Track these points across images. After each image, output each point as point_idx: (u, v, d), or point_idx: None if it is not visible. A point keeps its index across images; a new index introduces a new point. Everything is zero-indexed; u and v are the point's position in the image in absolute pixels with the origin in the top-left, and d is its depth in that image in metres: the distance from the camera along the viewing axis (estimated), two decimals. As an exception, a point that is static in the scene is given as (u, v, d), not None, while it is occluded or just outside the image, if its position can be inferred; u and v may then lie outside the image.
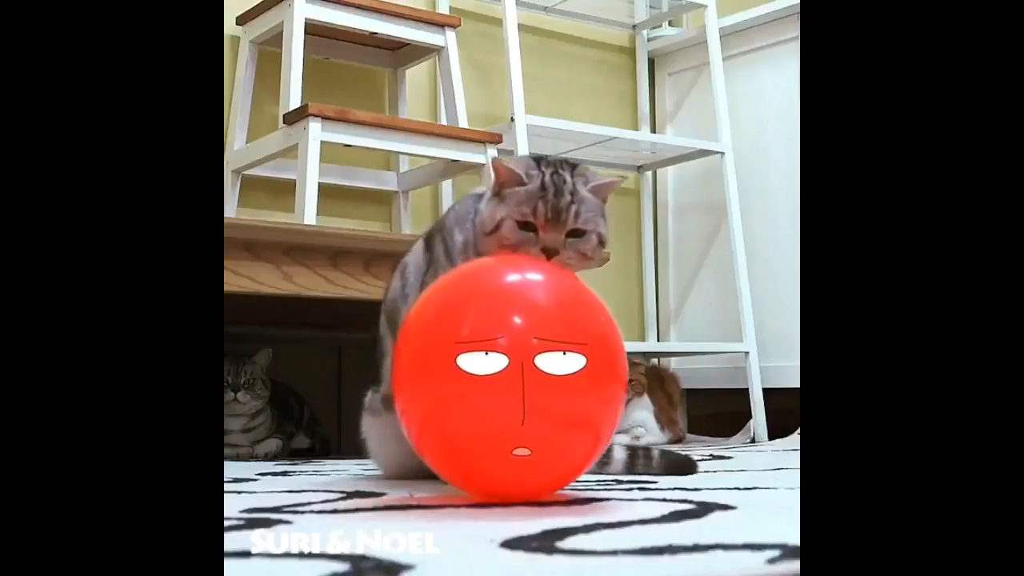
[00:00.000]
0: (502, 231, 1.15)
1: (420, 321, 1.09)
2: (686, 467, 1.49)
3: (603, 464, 1.46)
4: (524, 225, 1.14)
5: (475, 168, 2.50)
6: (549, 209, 1.14)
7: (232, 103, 2.52)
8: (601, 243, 1.18)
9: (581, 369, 1.01)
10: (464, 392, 1.01)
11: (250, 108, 2.52)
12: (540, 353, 1.00)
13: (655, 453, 1.52)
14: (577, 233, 1.15)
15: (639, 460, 1.49)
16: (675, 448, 2.50)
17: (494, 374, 0.99)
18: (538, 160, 1.20)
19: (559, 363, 1.00)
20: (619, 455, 1.49)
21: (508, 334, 1.01)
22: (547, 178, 1.16)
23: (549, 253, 1.14)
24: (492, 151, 2.49)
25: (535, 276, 1.10)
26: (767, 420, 2.84)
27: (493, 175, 1.20)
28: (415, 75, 2.86)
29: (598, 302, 1.11)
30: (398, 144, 2.39)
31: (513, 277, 1.10)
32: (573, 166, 1.20)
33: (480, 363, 0.99)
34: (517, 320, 1.02)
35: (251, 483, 1.46)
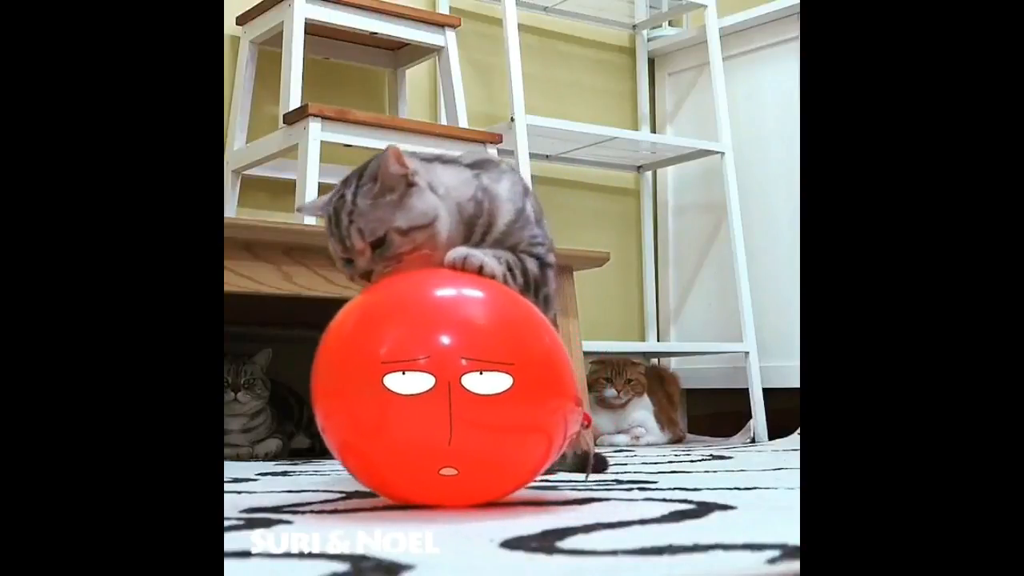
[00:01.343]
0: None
1: (345, 336, 1.05)
2: (596, 464, 1.49)
3: None
4: (345, 262, 1.14)
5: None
6: (336, 242, 1.13)
7: (232, 103, 2.52)
8: (408, 231, 1.10)
9: (509, 389, 0.98)
10: (390, 412, 0.98)
11: (250, 108, 2.52)
12: (467, 373, 0.97)
13: (568, 452, 1.54)
14: (376, 244, 1.11)
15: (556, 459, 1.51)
16: (673, 448, 2.51)
17: (421, 394, 0.97)
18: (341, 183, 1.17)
19: (486, 383, 0.98)
20: None
21: (435, 354, 0.98)
22: (330, 210, 1.14)
23: (364, 276, 1.12)
24: (492, 151, 2.49)
25: (466, 293, 1.07)
26: (767, 420, 2.84)
27: None
28: (415, 75, 2.86)
29: (535, 319, 1.08)
30: (398, 144, 2.39)
31: (443, 294, 1.07)
32: (363, 169, 1.15)
33: (406, 383, 0.97)
34: (445, 340, 0.99)
35: (251, 483, 1.46)
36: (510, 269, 1.14)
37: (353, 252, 1.11)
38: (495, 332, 1.03)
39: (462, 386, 0.97)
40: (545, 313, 1.17)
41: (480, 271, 1.09)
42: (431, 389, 0.97)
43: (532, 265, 1.18)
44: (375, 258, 1.11)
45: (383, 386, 0.97)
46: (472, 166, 1.21)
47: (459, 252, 1.10)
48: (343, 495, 1.21)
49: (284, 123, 2.28)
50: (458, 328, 1.02)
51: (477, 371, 0.98)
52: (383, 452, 1.02)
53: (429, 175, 1.15)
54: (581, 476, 1.30)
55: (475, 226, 1.16)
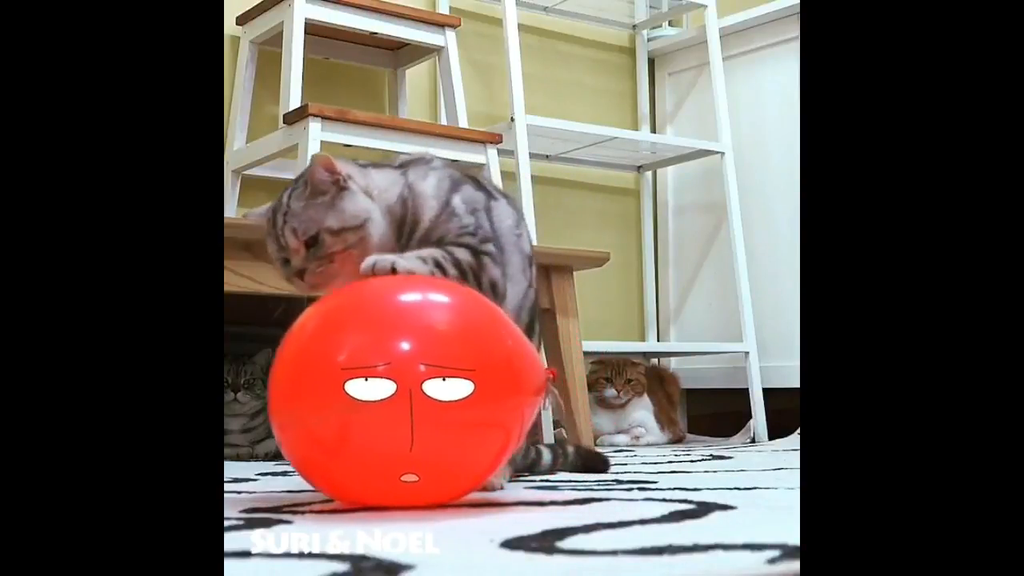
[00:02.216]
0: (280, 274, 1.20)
1: (306, 342, 1.06)
2: (598, 464, 1.58)
3: (534, 465, 1.55)
4: (283, 262, 1.18)
5: (475, 168, 2.50)
6: (273, 243, 1.18)
7: (232, 103, 2.52)
8: (339, 231, 1.15)
9: (470, 395, 0.99)
10: (351, 418, 0.98)
11: (250, 108, 2.52)
12: (428, 379, 0.97)
13: (570, 451, 1.62)
14: (309, 243, 1.15)
15: (559, 459, 1.59)
16: (673, 448, 2.51)
17: (382, 400, 0.97)
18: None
19: (447, 389, 0.98)
20: (546, 457, 1.58)
21: (395, 360, 0.98)
22: (270, 214, 1.19)
23: (298, 275, 1.17)
24: (492, 151, 2.49)
25: (427, 298, 1.08)
26: (767, 420, 2.84)
27: None
28: (415, 75, 2.86)
29: (498, 323, 1.08)
30: (398, 144, 2.39)
31: (405, 299, 1.08)
32: (302, 175, 1.20)
33: (367, 389, 0.97)
34: (405, 346, 1.00)
35: (251, 483, 1.46)
36: (439, 265, 1.15)
37: (288, 251, 1.16)
38: (456, 338, 1.03)
39: (423, 392, 0.97)
40: (498, 301, 1.18)
41: (393, 272, 1.11)
42: (392, 396, 0.97)
43: (463, 255, 1.18)
44: (308, 257, 1.16)
45: (344, 393, 0.97)
46: (402, 166, 1.25)
47: (368, 261, 1.12)
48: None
49: (284, 123, 2.28)
50: (418, 334, 1.02)
51: (439, 377, 0.98)
52: (344, 459, 1.02)
53: (365, 180, 1.20)
54: (580, 475, 1.31)
55: (404, 225, 1.20)
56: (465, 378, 0.98)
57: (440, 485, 1.04)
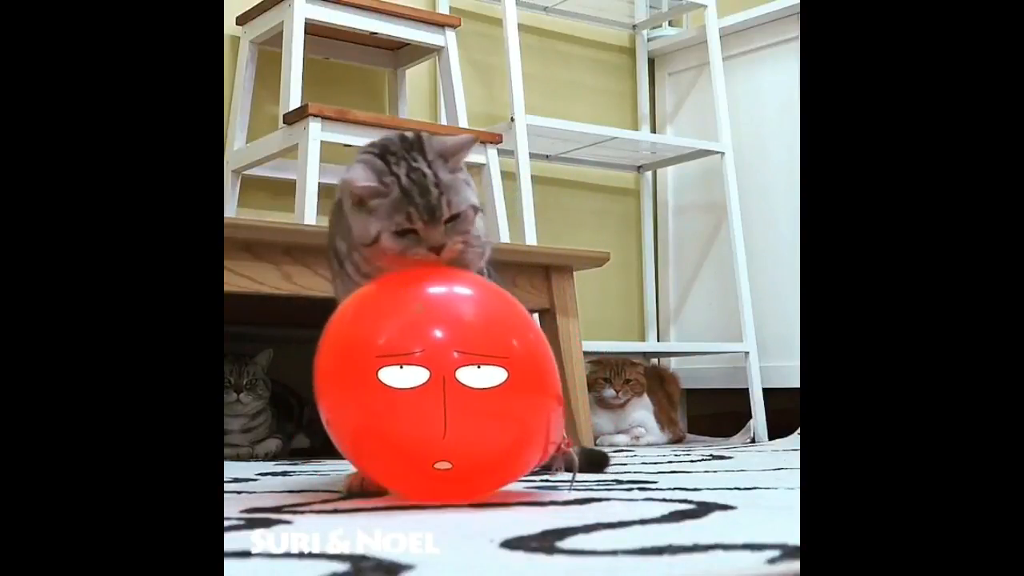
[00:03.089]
0: (383, 244, 1.11)
1: (342, 331, 1.07)
2: (600, 461, 1.56)
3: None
4: (402, 232, 1.11)
5: (475, 168, 2.50)
6: (423, 212, 1.09)
7: (232, 103, 2.52)
8: (478, 211, 1.14)
9: (503, 383, 1.00)
10: (385, 406, 1.00)
11: (250, 108, 2.52)
12: (461, 367, 0.99)
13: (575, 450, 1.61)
14: (454, 217, 1.11)
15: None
16: (673, 448, 2.51)
17: (415, 388, 0.99)
18: (383, 156, 1.13)
19: (480, 376, 0.99)
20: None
21: (429, 347, 1.00)
22: (405, 181, 1.10)
23: (437, 249, 1.11)
24: (492, 151, 2.49)
25: (458, 289, 1.09)
26: (767, 420, 2.84)
27: (348, 193, 1.13)
28: (415, 75, 2.86)
29: (524, 316, 1.10)
30: (398, 144, 2.39)
31: (436, 290, 1.08)
32: (420, 146, 1.14)
33: (401, 377, 0.99)
34: (438, 333, 1.01)
35: (251, 483, 1.46)
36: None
37: (434, 223, 1.10)
38: (489, 327, 1.05)
39: (456, 380, 0.99)
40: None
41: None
42: (425, 383, 0.98)
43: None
44: (448, 231, 1.11)
45: (378, 380, 0.99)
46: None
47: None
48: (343, 495, 1.21)
49: (284, 123, 2.29)
50: (451, 322, 1.04)
51: (474, 365, 0.99)
52: (380, 446, 1.04)
53: None
54: (569, 476, 1.32)
55: None
56: (499, 366, 1.00)
57: (472, 474, 1.05)
